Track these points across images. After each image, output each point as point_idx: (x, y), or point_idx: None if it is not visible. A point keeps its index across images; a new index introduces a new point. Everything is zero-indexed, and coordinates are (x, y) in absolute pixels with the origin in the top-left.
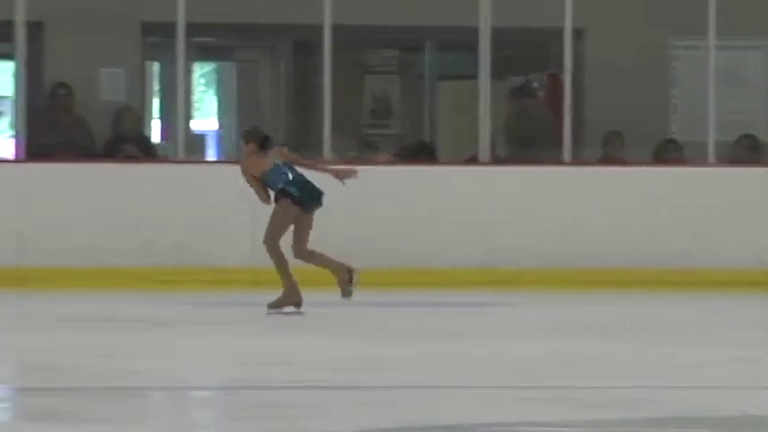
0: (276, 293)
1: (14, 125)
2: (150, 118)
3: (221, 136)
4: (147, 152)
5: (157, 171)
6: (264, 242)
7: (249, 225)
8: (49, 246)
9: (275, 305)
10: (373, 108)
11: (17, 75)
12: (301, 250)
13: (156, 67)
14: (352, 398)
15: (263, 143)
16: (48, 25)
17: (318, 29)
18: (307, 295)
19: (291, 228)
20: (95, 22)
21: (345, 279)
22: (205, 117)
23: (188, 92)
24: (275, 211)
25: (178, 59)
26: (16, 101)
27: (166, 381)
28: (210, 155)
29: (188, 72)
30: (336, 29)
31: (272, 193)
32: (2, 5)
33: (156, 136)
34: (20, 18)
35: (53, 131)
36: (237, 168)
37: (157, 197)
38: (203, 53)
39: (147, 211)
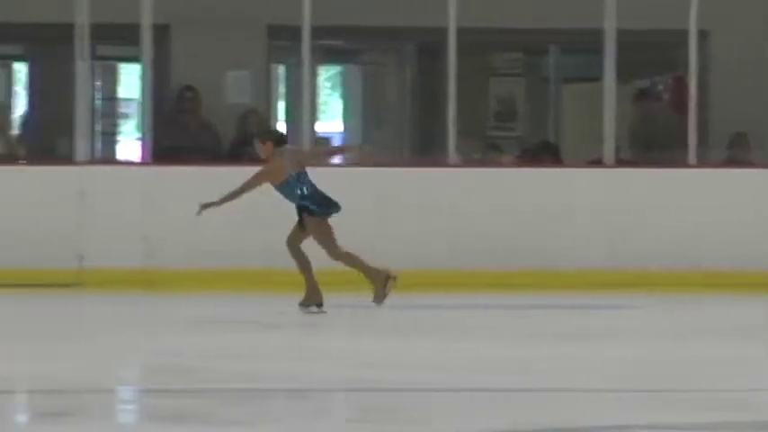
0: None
1: (141, 128)
2: (275, 120)
3: (346, 138)
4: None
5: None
6: (331, 256)
7: (369, 226)
8: (175, 248)
9: (303, 303)
10: (498, 111)
11: (144, 77)
12: (336, 253)
13: (281, 69)
14: (470, 400)
15: (279, 141)
16: (174, 28)
17: (443, 32)
18: (421, 298)
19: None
20: (221, 24)
21: (381, 284)
22: (330, 119)
23: (313, 94)
24: (313, 231)
25: (304, 62)
26: (143, 103)
27: (290, 382)
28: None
29: (313, 75)
30: (461, 32)
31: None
32: (128, 9)
33: None
34: (146, 21)
35: (179, 134)
36: (364, 171)
37: (280, 198)
38: (329, 56)
39: (271, 214)
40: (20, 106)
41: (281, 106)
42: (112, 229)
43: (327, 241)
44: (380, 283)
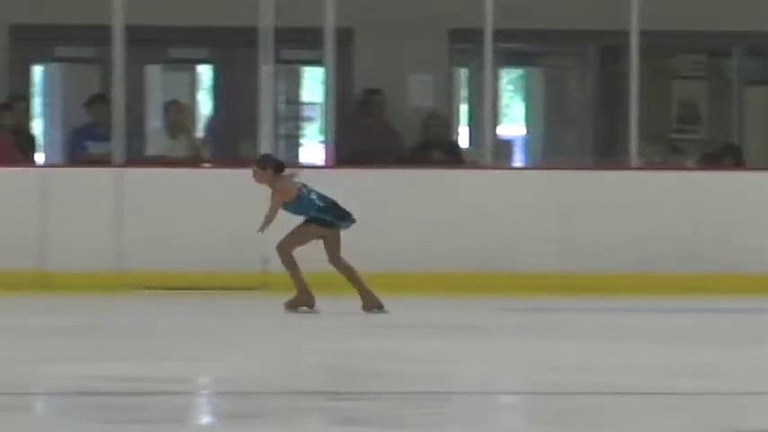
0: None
1: (324, 131)
2: (458, 124)
3: (528, 142)
4: (455, 158)
5: (465, 176)
6: (278, 249)
7: (557, 230)
8: (359, 250)
9: (290, 305)
10: (680, 113)
11: (327, 81)
12: (339, 262)
13: (463, 73)
14: (657, 403)
15: (279, 168)
16: (358, 32)
17: (625, 34)
18: (607, 302)
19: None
20: (404, 28)
21: (372, 304)
22: (512, 123)
23: (495, 98)
24: (302, 229)
25: (485, 66)
26: (326, 107)
27: (473, 386)
28: (517, 160)
29: (495, 78)
30: (643, 34)
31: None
32: (312, 13)
33: (463, 142)
34: (330, 25)
35: (363, 137)
36: (542, 173)
37: (465, 202)
38: (511, 59)
39: (455, 216)
40: (204, 109)
41: (462, 109)
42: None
43: (295, 240)
44: (301, 297)
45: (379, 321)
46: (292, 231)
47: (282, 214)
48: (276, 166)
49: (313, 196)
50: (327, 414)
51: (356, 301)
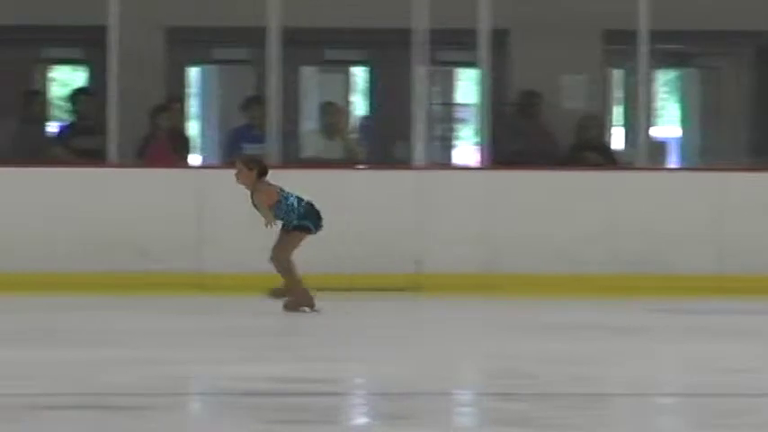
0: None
1: (479, 133)
2: (611, 125)
3: (683, 143)
4: (610, 160)
5: (619, 178)
6: (275, 261)
7: (710, 231)
8: (515, 253)
9: (288, 307)
10: None
11: (482, 82)
12: (283, 257)
13: (618, 74)
14: None
15: (263, 172)
16: (513, 33)
17: None
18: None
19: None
20: (559, 29)
21: (297, 302)
22: (667, 124)
23: (649, 99)
24: (288, 237)
25: (640, 67)
26: (481, 108)
27: (629, 388)
28: (672, 162)
29: (650, 79)
30: None
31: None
32: (467, 14)
33: (617, 143)
34: (485, 26)
35: (518, 139)
36: (698, 175)
37: (619, 204)
38: (666, 60)
39: (610, 218)
40: (359, 111)
41: (616, 111)
42: (450, 233)
43: (289, 247)
44: (303, 298)
45: (531, 322)
46: (280, 240)
47: None
48: (261, 170)
49: (291, 200)
50: (485, 414)
51: (512, 302)
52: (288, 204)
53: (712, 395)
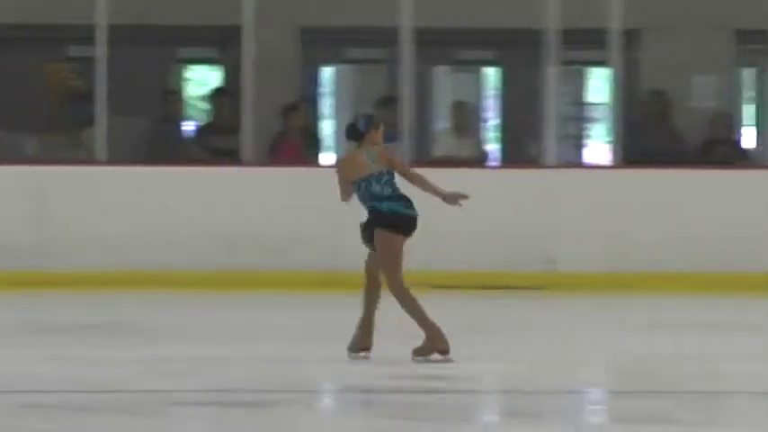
0: None
1: (611, 132)
2: (742, 124)
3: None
4: (741, 155)
5: (750, 176)
6: (390, 289)
7: None
8: (640, 251)
9: (419, 353)
10: None
11: (614, 82)
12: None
13: (749, 73)
14: None
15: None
16: (645, 33)
17: None
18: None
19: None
20: (691, 29)
21: (431, 348)
22: None
23: None
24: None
25: None
26: (613, 108)
27: (754, 385)
28: None
29: None
30: None
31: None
32: (598, 14)
33: (749, 142)
34: (616, 26)
35: (648, 138)
36: None
37: (750, 201)
38: None
39: (738, 216)
40: (490, 110)
41: (748, 110)
42: (581, 232)
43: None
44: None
45: (655, 320)
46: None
47: None
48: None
49: (384, 182)
50: (615, 411)
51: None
52: (378, 183)
53: None
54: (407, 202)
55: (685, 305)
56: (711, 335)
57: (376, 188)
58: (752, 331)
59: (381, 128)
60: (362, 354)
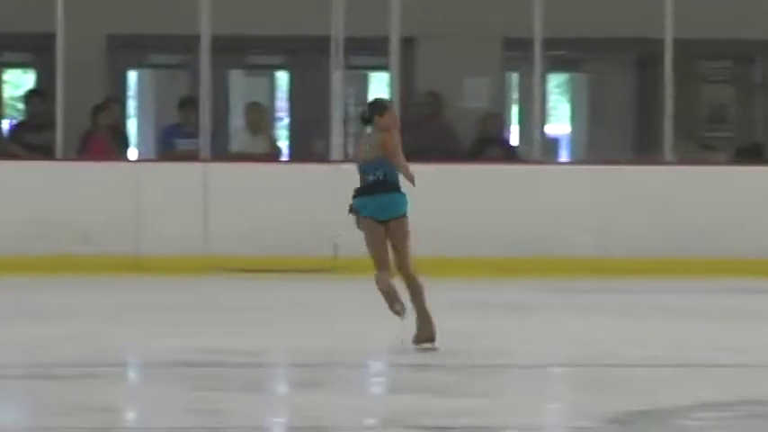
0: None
1: None
2: (510, 123)
3: (573, 140)
4: (509, 154)
5: (516, 171)
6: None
7: (595, 219)
8: (419, 237)
9: (417, 341)
10: (710, 114)
11: (391, 85)
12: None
13: (515, 77)
14: (678, 374)
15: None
16: (419, 40)
17: (661, 43)
18: (641, 284)
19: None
20: (461, 37)
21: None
22: (558, 123)
23: (543, 100)
24: (401, 228)
25: (535, 71)
26: None
27: (525, 359)
28: (563, 156)
29: (543, 82)
30: (677, 43)
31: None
32: (378, 23)
33: (515, 140)
34: (395, 34)
35: (423, 136)
36: (585, 168)
37: (515, 194)
38: (557, 65)
39: (506, 206)
40: (281, 110)
41: (514, 110)
42: None
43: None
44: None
45: (440, 301)
46: (401, 240)
47: None
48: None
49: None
50: (398, 383)
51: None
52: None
53: (593, 365)
54: (378, 189)
55: (460, 288)
56: (490, 315)
57: (370, 177)
58: (518, 310)
59: (391, 110)
60: (428, 345)
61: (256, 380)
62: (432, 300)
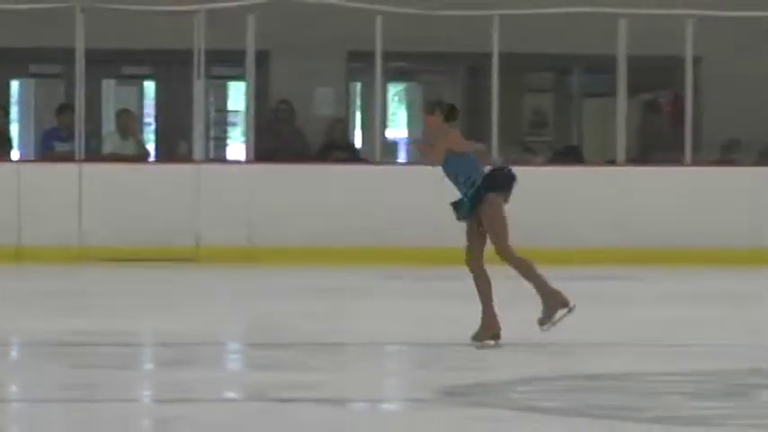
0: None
1: (245, 133)
2: (354, 128)
3: (409, 142)
4: (353, 155)
5: (360, 170)
6: (502, 253)
7: (431, 214)
8: (274, 229)
9: (477, 338)
10: (532, 120)
11: (248, 93)
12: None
13: (358, 86)
14: (522, 352)
15: (450, 114)
16: (273, 53)
17: (488, 56)
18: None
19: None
20: (311, 50)
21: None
22: (397, 127)
23: (383, 107)
24: (489, 214)
25: (376, 81)
26: (247, 114)
27: (364, 338)
28: (402, 158)
29: (383, 91)
30: (502, 56)
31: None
32: (236, 37)
33: (359, 143)
34: (250, 48)
35: (276, 139)
36: (420, 168)
37: (360, 191)
38: (396, 75)
39: (353, 204)
40: (149, 116)
41: (358, 116)
42: (223, 213)
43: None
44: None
45: (290, 286)
46: (489, 228)
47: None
48: (447, 113)
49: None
50: (248, 360)
51: (271, 270)
52: (472, 161)
53: (423, 344)
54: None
55: (304, 275)
56: (332, 298)
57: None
58: (362, 295)
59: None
60: (492, 342)
61: (126, 358)
62: (280, 286)
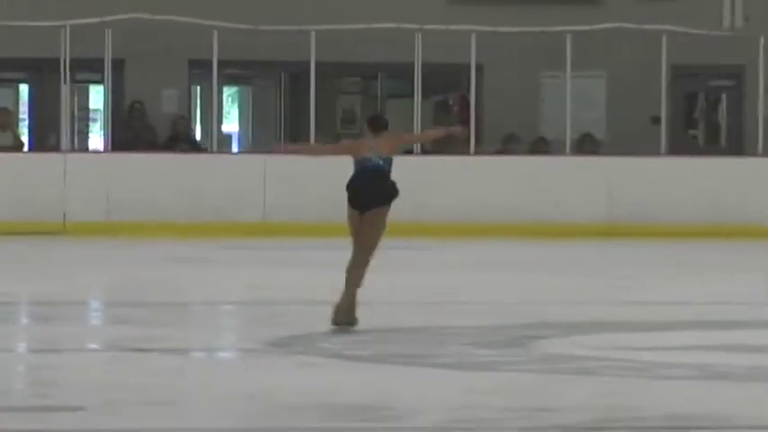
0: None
1: (104, 128)
2: (195, 123)
3: (241, 135)
4: (194, 147)
5: (201, 159)
6: (365, 253)
7: (260, 194)
8: (131, 206)
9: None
10: (343, 117)
11: (105, 95)
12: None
13: (198, 89)
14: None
15: (375, 126)
16: (128, 60)
17: (306, 64)
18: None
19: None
20: (158, 58)
21: (344, 316)
22: (230, 122)
23: (219, 106)
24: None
25: (213, 85)
26: (105, 112)
27: (203, 299)
28: (234, 148)
29: (219, 93)
30: (318, 64)
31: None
32: (96, 47)
33: (198, 136)
34: (108, 56)
35: (130, 133)
36: (253, 156)
37: (200, 177)
38: (230, 80)
39: (193, 188)
40: (23, 113)
41: (198, 114)
42: (85, 194)
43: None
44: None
45: (143, 255)
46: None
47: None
48: (373, 125)
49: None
50: (109, 318)
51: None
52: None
53: (255, 303)
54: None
55: (153, 246)
56: (175, 266)
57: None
58: (202, 263)
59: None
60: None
61: (3, 314)
62: (134, 255)
